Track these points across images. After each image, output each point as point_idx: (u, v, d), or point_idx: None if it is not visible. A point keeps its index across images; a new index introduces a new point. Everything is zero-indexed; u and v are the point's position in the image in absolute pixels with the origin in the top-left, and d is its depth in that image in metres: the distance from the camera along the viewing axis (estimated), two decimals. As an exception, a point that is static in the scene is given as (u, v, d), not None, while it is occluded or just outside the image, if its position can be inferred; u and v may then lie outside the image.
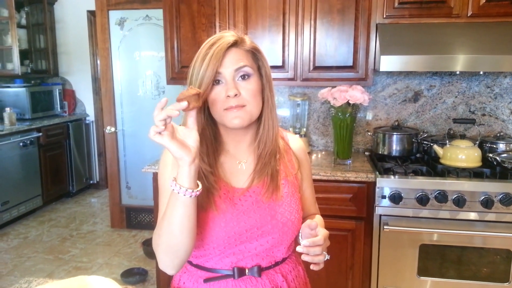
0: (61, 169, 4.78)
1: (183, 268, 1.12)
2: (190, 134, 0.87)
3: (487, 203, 1.97)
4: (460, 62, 2.10)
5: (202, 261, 1.08)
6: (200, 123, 0.99)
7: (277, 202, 1.06)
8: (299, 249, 0.96)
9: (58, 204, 4.70)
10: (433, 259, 2.09)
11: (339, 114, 2.37)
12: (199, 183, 0.91)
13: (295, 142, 1.18)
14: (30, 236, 3.80)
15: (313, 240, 0.95)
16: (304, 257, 0.96)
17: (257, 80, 1.02)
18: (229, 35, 1.00)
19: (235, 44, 0.99)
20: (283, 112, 2.85)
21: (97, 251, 3.46)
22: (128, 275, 2.93)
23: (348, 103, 2.31)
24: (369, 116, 2.73)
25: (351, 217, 2.18)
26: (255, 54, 1.03)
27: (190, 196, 0.88)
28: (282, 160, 1.11)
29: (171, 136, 0.83)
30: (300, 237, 1.05)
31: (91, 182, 5.29)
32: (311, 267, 0.99)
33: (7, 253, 3.47)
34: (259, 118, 1.05)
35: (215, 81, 0.98)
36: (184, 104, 0.83)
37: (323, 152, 2.74)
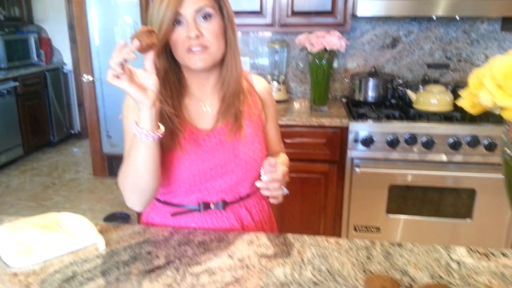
0: (41, 119, 4.73)
1: (151, 204, 1.17)
2: (149, 77, 0.87)
3: (455, 145, 2.04)
4: (438, 6, 2.11)
5: (169, 198, 1.13)
6: (162, 66, 1.00)
7: (240, 142, 1.10)
8: (258, 184, 1.01)
9: (39, 153, 4.69)
10: (402, 198, 2.19)
11: (316, 60, 2.37)
12: (161, 126, 0.93)
13: (259, 84, 1.19)
14: (12, 185, 3.82)
15: (272, 176, 0.99)
16: (264, 192, 1.01)
17: (219, 21, 1.01)
18: None
19: None
20: (262, 60, 2.84)
21: (80, 197, 3.52)
22: (111, 219, 3.01)
23: (325, 49, 2.31)
24: (348, 63, 2.74)
25: (324, 160, 2.24)
26: None
27: (153, 139, 0.91)
28: (245, 101, 1.13)
29: (129, 80, 0.83)
30: (262, 173, 1.10)
31: (72, 132, 5.26)
32: (270, 200, 1.04)
33: (-10, 201, 3.51)
34: (222, 60, 1.05)
35: (176, 22, 0.97)
36: (136, 43, 0.82)
37: (301, 99, 2.76)
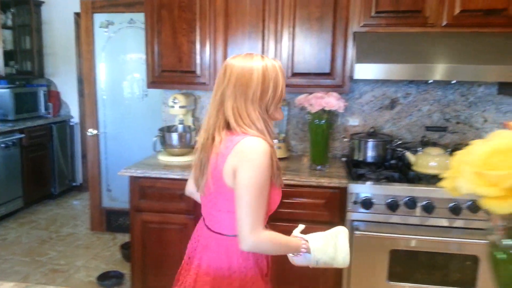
0: (44, 171, 4.75)
1: None
2: None
3: (455, 210, 2.00)
4: (435, 71, 2.12)
5: None
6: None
7: None
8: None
9: (39, 206, 4.66)
10: (403, 264, 2.12)
11: (315, 120, 2.40)
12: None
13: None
14: (9, 238, 3.76)
15: None
16: None
17: None
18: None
19: None
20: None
21: (75, 253, 3.44)
22: (104, 278, 2.92)
23: (323, 110, 2.34)
24: (347, 122, 2.77)
25: (324, 222, 2.19)
26: None
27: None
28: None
29: None
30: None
31: (74, 184, 5.25)
32: None
33: (-16, 255, 3.44)
34: None
35: None
36: None
37: (301, 158, 2.76)
